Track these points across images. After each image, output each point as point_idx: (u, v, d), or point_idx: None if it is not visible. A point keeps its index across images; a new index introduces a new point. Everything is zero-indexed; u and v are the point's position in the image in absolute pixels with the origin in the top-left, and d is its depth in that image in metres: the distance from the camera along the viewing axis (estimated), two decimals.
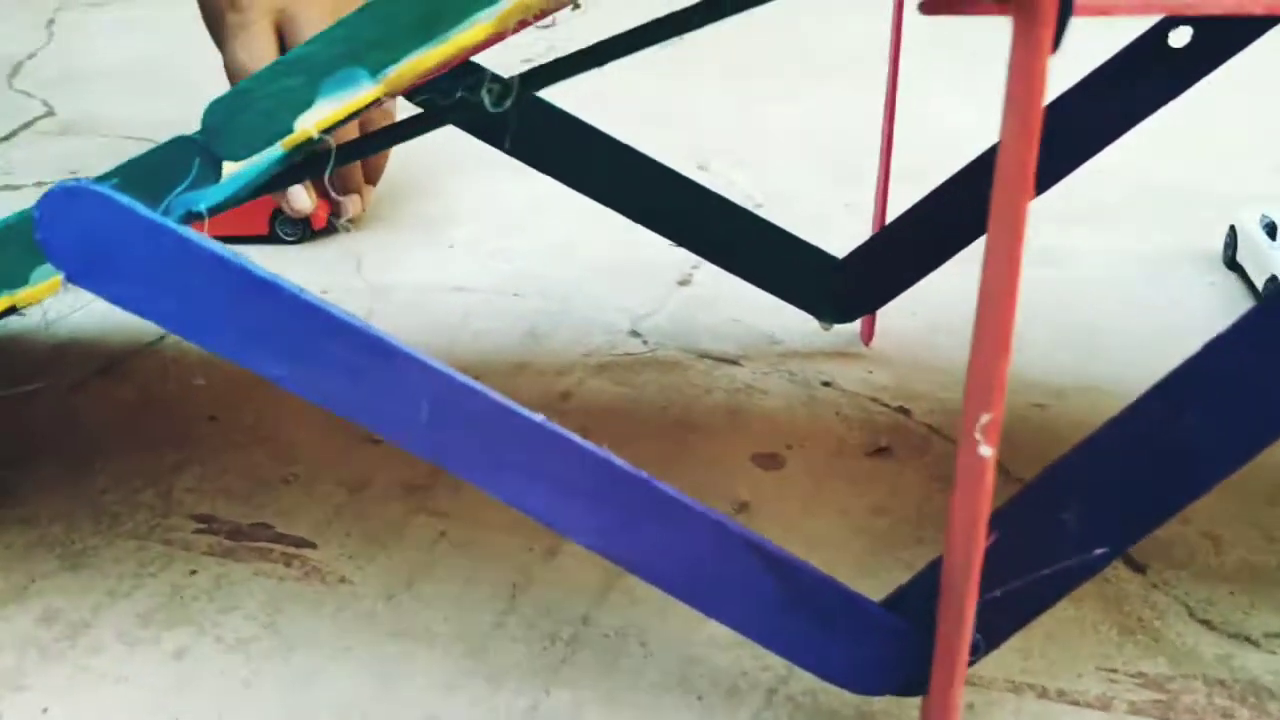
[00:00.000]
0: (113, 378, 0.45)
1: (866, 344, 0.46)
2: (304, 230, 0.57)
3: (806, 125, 0.73)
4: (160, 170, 0.24)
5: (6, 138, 0.76)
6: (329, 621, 0.32)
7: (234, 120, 0.24)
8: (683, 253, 0.53)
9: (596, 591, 0.32)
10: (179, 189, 0.24)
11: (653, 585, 0.25)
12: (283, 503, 0.37)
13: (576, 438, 0.24)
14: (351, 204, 0.57)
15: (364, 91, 0.23)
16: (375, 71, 0.23)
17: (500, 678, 0.29)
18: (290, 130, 0.23)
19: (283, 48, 0.53)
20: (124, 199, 0.22)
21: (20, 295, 0.25)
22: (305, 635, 0.31)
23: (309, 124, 0.23)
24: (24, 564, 0.34)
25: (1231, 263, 0.51)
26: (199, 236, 0.23)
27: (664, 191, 0.44)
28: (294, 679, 0.30)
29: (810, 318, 0.46)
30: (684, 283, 0.52)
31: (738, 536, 0.24)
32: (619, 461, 0.24)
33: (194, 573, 0.34)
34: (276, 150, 0.23)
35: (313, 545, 0.35)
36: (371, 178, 0.60)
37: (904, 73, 0.42)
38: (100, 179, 0.24)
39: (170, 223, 0.22)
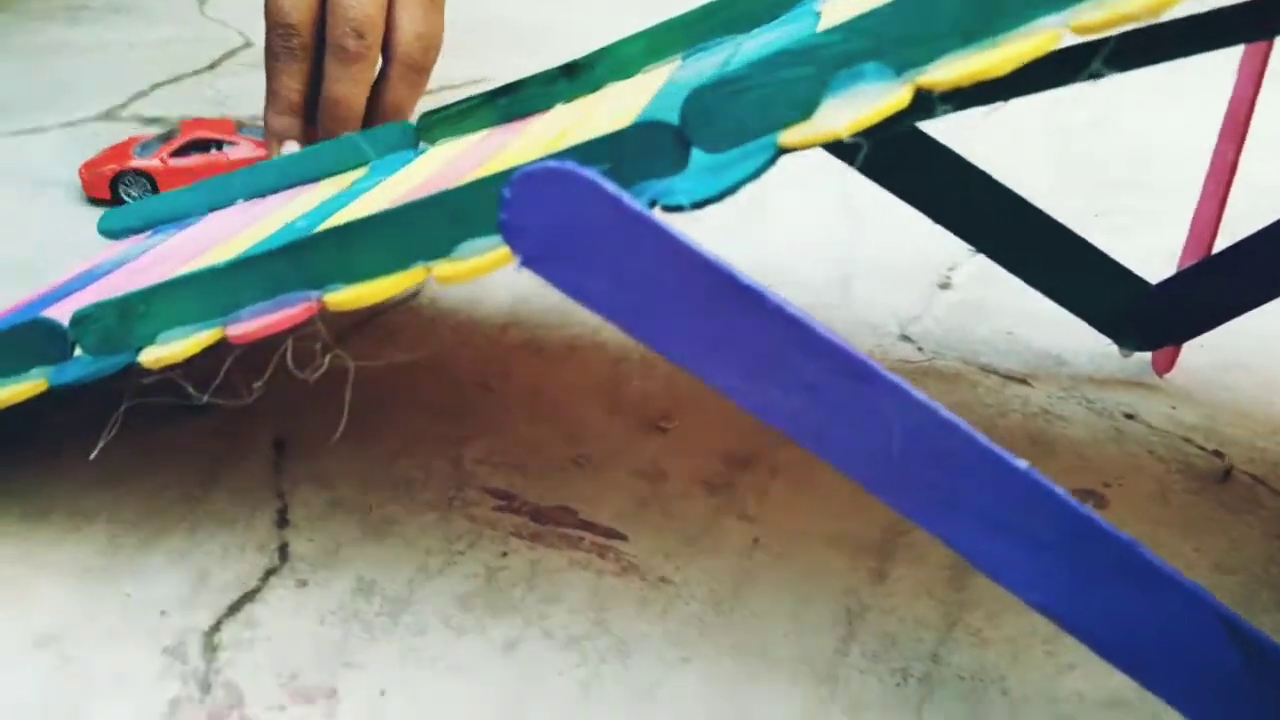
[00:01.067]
0: (372, 333, 0.44)
1: (1161, 375, 0.43)
2: None
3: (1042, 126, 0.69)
4: (626, 153, 0.22)
5: (211, 66, 0.75)
6: (659, 625, 0.30)
7: (723, 109, 0.21)
8: (936, 252, 0.50)
9: (938, 626, 0.30)
10: (648, 177, 0.22)
11: (1097, 652, 0.23)
12: (580, 487, 0.35)
13: (1059, 490, 0.22)
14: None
15: (884, 92, 0.20)
16: (901, 70, 0.20)
17: (858, 713, 0.28)
18: (791, 122, 0.21)
19: None
20: (612, 187, 0.20)
21: (442, 268, 0.24)
22: (638, 638, 0.29)
23: (829, 125, 0.20)
24: (328, 527, 0.33)
25: None
26: (685, 237, 0.21)
27: (967, 189, 0.41)
28: (635, 688, 0.28)
29: (1096, 339, 0.43)
30: (944, 286, 0.49)
31: (1210, 608, 0.22)
32: (1102, 521, 0.22)
33: (505, 555, 0.32)
34: (768, 148, 0.21)
35: (623, 537, 0.33)
36: (389, 113, 0.54)
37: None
38: (558, 156, 0.22)
39: (659, 220, 0.20)
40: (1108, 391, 0.42)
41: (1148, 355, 0.44)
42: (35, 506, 0.33)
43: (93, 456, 0.29)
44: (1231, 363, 0.44)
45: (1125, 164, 0.62)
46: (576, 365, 0.42)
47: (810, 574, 0.32)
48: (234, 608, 0.30)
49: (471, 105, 0.41)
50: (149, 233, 0.45)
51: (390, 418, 0.38)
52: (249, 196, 0.44)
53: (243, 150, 0.55)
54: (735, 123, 0.21)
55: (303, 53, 0.51)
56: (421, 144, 0.43)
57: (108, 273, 0.39)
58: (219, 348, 0.27)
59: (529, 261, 0.22)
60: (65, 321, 0.29)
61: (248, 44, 0.80)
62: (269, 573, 0.31)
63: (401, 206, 0.24)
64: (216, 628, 0.29)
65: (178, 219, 0.45)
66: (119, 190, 0.55)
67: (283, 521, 0.33)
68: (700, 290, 0.21)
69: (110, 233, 0.46)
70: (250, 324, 0.25)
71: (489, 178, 0.23)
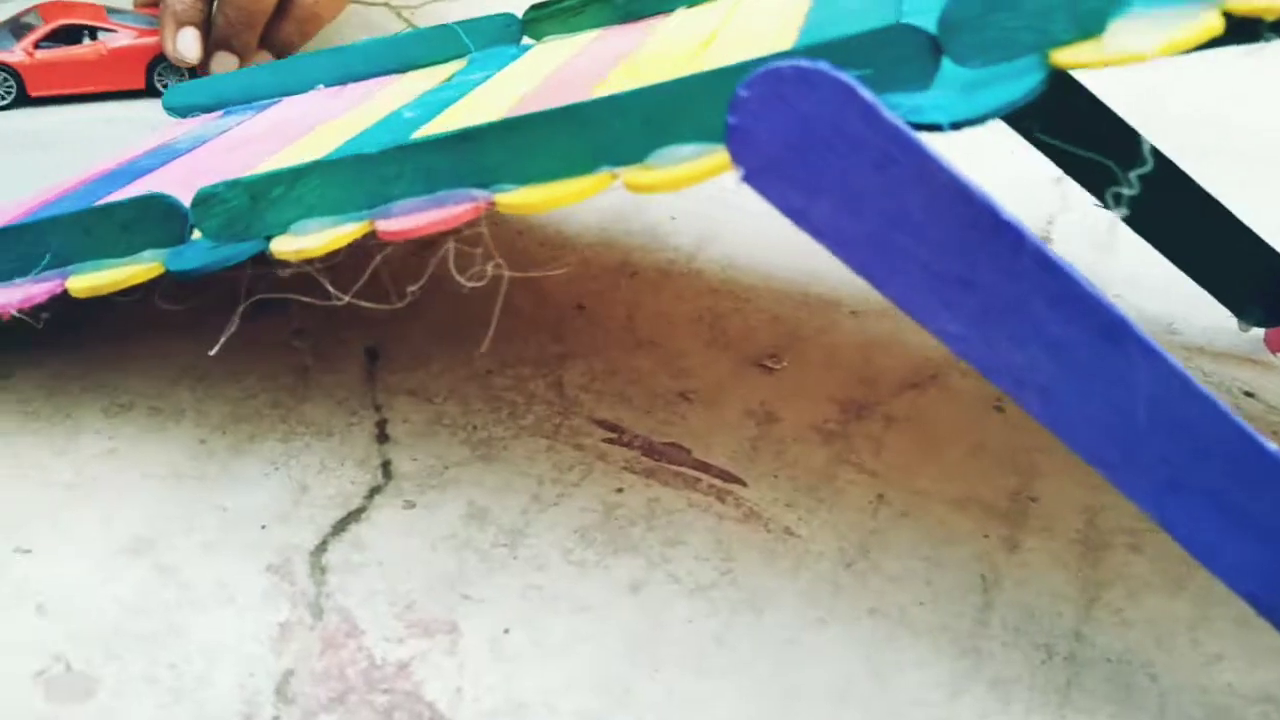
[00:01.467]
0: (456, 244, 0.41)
1: (1275, 353, 0.41)
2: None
3: None
4: (865, 58, 0.20)
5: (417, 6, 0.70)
6: (789, 580, 0.28)
7: (988, 17, 0.19)
8: (1035, 207, 0.48)
9: (1077, 602, 0.29)
10: (890, 89, 0.19)
11: None
12: (690, 424, 0.33)
13: None
14: (219, 62, 0.49)
15: (1184, 14, 0.18)
16: None
17: (1006, 689, 0.26)
18: (1064, 42, 0.19)
19: None
20: (869, 95, 0.18)
21: (633, 175, 0.21)
22: (768, 593, 0.28)
23: (1130, 45, 0.18)
24: (430, 445, 0.31)
25: None
26: (945, 159, 0.18)
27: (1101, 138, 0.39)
28: (772, 646, 0.26)
29: (1208, 309, 0.41)
30: (1044, 239, 0.47)
31: None
32: None
33: (620, 491, 0.30)
34: (1036, 68, 0.19)
35: (741, 482, 0.31)
36: (278, 48, 0.51)
37: None
38: (787, 55, 0.20)
39: (917, 137, 0.18)
40: (1225, 366, 0.40)
41: (1260, 332, 0.42)
42: (116, 401, 0.31)
43: (213, 352, 0.27)
44: None
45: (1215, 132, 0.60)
46: (672, 292, 0.40)
47: (939, 538, 0.30)
48: (339, 527, 0.28)
49: (586, 1, 0.38)
50: (220, 112, 0.42)
51: (482, 332, 0.36)
52: (330, 82, 0.41)
53: (122, 38, 0.49)
54: (1001, 33, 0.19)
55: None
56: (525, 39, 0.40)
57: (188, 150, 0.36)
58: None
59: (753, 175, 0.19)
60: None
61: None
62: (373, 491, 0.29)
63: (588, 103, 0.21)
64: (323, 547, 0.27)
65: (250, 100, 0.42)
66: None
67: (383, 436, 0.31)
68: (952, 222, 0.19)
69: (176, 109, 0.43)
70: (404, 220, 0.23)
71: (699, 75, 0.21)
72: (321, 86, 0.41)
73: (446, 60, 0.39)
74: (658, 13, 0.38)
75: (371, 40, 0.41)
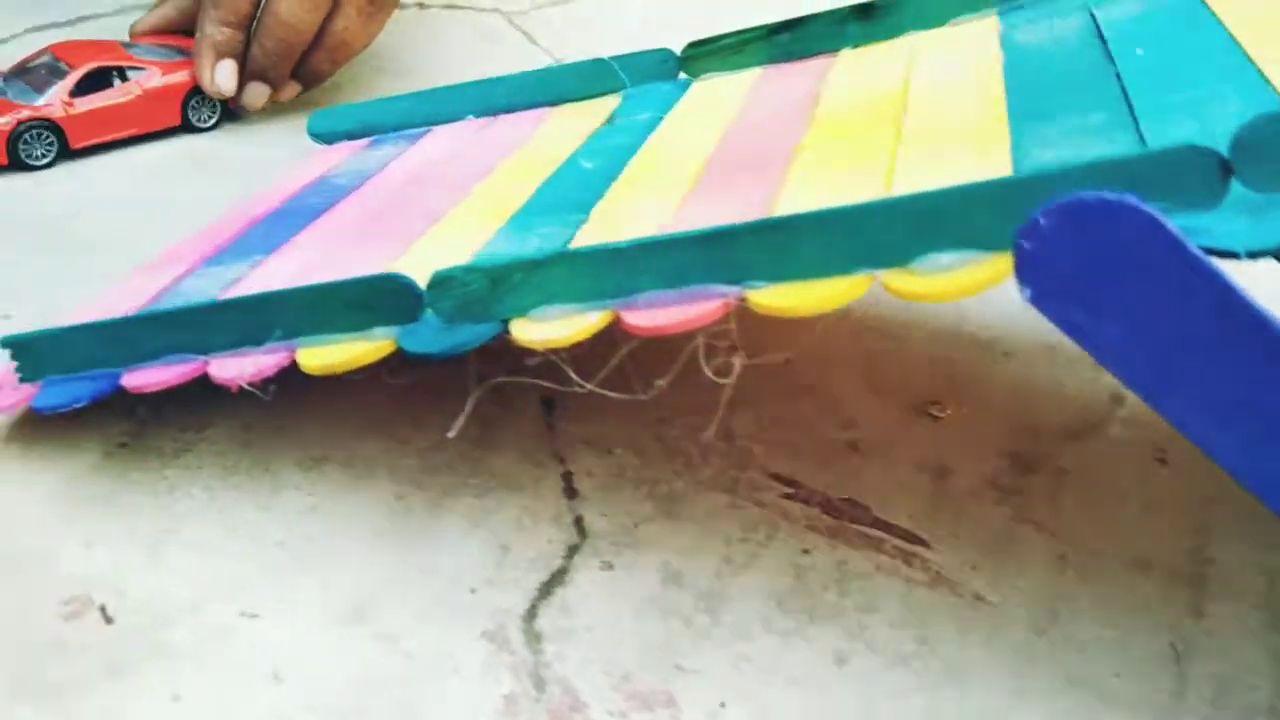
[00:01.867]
0: None
1: None
2: (219, 114, 0.48)
3: None
4: (1154, 178, 0.19)
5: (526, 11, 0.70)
6: (985, 650, 0.29)
7: None
8: None
9: (1269, 674, 0.29)
10: (1178, 208, 0.19)
11: None
12: (864, 478, 0.33)
13: None
14: (252, 94, 0.48)
15: None
16: None
17: None
18: None
19: None
20: (1175, 228, 0.18)
21: (895, 278, 0.21)
22: (971, 664, 0.28)
23: None
24: (616, 500, 0.31)
25: None
26: (1242, 288, 0.18)
27: None
28: (978, 719, 0.27)
29: None
30: None
31: None
32: None
33: (807, 552, 0.31)
34: None
35: (924, 543, 0.31)
36: (308, 78, 0.50)
37: None
38: (1051, 178, 0.20)
39: (1220, 269, 0.18)
40: None
41: None
42: (309, 454, 0.32)
43: (452, 434, 0.27)
44: None
45: None
46: (823, 333, 0.40)
47: (1126, 604, 0.30)
48: (545, 590, 0.28)
49: (746, 39, 0.38)
50: (368, 140, 0.42)
51: (642, 371, 0.36)
52: (479, 113, 0.41)
53: (154, 76, 0.47)
54: None
55: None
56: (682, 75, 0.39)
57: (353, 187, 0.36)
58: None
59: (1040, 297, 0.19)
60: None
61: None
62: (571, 550, 0.30)
63: (853, 206, 0.21)
64: (533, 612, 0.28)
65: (399, 128, 0.42)
66: (19, 151, 0.45)
67: (570, 490, 0.31)
68: (1247, 352, 0.18)
69: (321, 136, 0.43)
70: (651, 313, 0.23)
71: (973, 186, 0.21)
72: (471, 117, 0.41)
73: (600, 95, 0.39)
74: (821, 52, 0.37)
75: (523, 73, 0.41)
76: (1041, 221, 0.19)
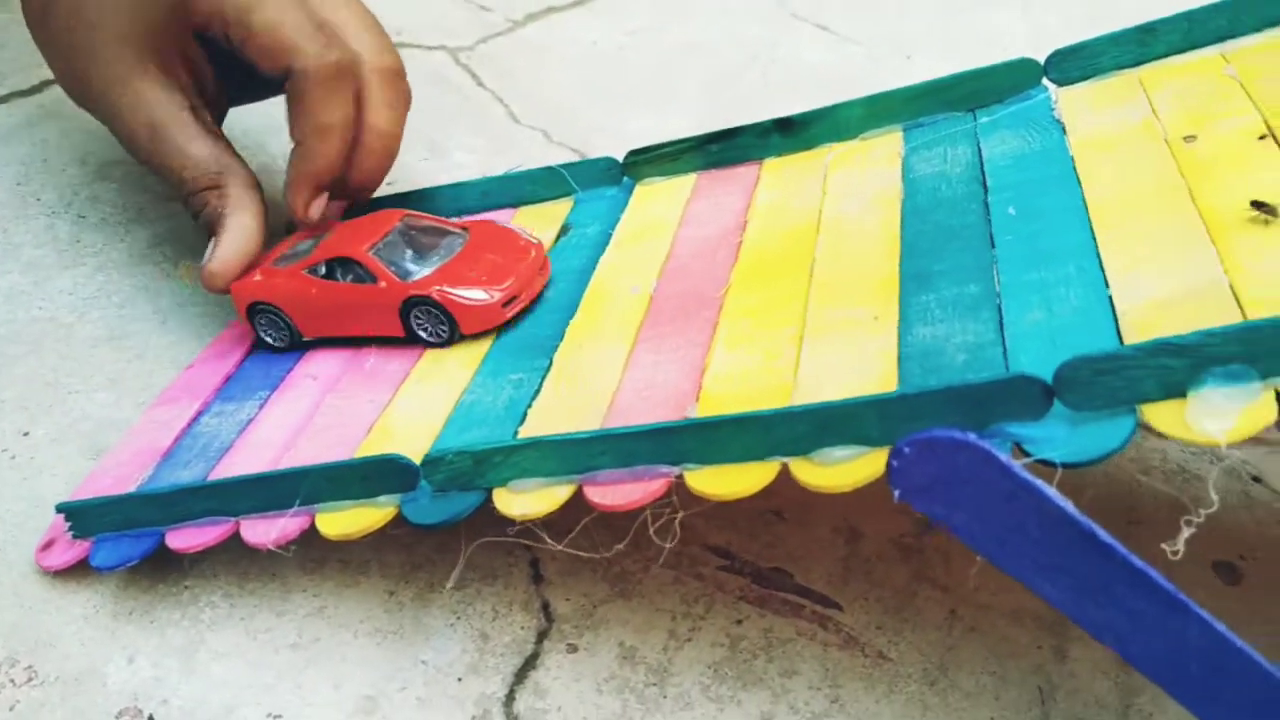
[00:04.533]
0: None
1: None
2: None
3: None
4: (992, 396, 0.25)
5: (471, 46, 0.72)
6: (886, 704, 0.35)
7: (1097, 380, 0.24)
8: None
9: (1116, 709, 0.35)
10: (1010, 420, 0.25)
11: None
12: (788, 545, 0.39)
13: None
14: (211, 245, 0.43)
15: (1252, 389, 0.23)
16: (1266, 376, 0.23)
17: None
18: (1150, 399, 0.24)
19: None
20: (1004, 456, 0.23)
21: (799, 465, 0.26)
22: (871, 717, 0.34)
23: (1204, 424, 0.23)
24: (577, 583, 0.37)
25: None
26: (1047, 490, 0.24)
27: None
28: None
29: None
30: None
31: None
32: None
33: (739, 623, 0.36)
34: (1131, 418, 0.24)
35: (839, 607, 0.37)
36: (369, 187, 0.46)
37: None
38: (930, 397, 0.25)
39: (1042, 485, 0.24)
40: (1235, 448, 0.46)
41: None
42: (310, 556, 0.36)
43: (450, 586, 0.32)
44: None
45: None
46: None
47: (1003, 652, 0.37)
48: (520, 675, 0.34)
49: (681, 149, 0.43)
50: None
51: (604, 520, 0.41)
52: (456, 213, 0.45)
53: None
54: (1105, 390, 0.24)
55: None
56: (626, 178, 0.44)
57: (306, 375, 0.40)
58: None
59: (906, 494, 0.25)
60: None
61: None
62: (541, 635, 0.35)
63: (769, 412, 0.27)
64: (511, 697, 0.33)
65: None
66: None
67: (537, 576, 0.37)
68: (1060, 538, 0.24)
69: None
70: (609, 490, 0.28)
71: (859, 401, 0.26)
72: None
73: (555, 198, 0.43)
74: (746, 161, 0.42)
75: (489, 179, 0.45)
76: (905, 450, 0.24)
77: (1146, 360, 0.24)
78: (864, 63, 0.72)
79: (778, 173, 0.41)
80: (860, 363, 0.29)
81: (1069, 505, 0.24)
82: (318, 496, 0.31)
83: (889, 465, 0.24)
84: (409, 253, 0.40)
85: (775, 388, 0.29)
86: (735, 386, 0.30)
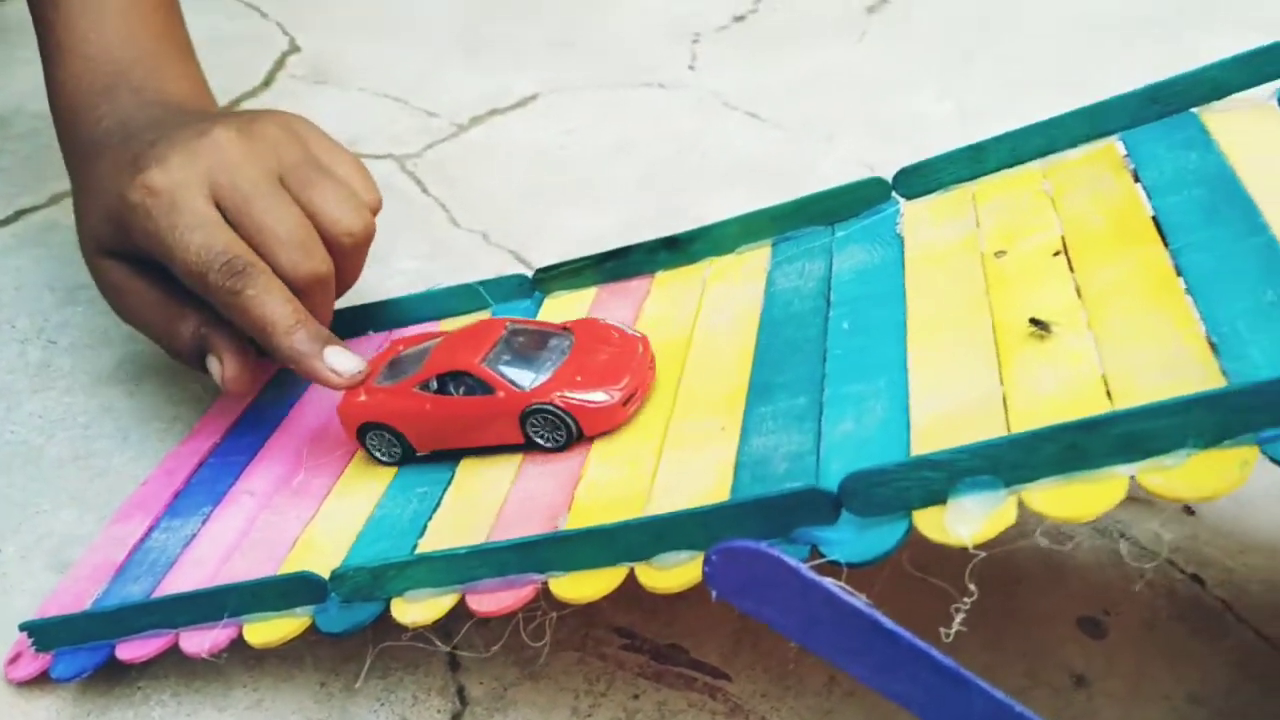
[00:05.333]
0: None
1: None
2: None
3: None
4: (791, 507, 0.29)
5: (266, 83, 0.78)
6: None
7: (873, 490, 0.29)
8: None
9: None
10: (807, 525, 0.29)
11: None
12: (686, 622, 0.43)
13: None
14: (213, 364, 0.44)
15: (998, 496, 0.28)
16: (1010, 484, 0.27)
17: None
18: (917, 506, 0.28)
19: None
20: (794, 561, 0.28)
21: (643, 570, 0.31)
22: None
23: (957, 528, 0.28)
24: (490, 667, 0.41)
25: None
26: (838, 587, 0.28)
27: None
28: None
29: None
30: None
31: None
32: None
33: (636, 697, 0.40)
34: (904, 522, 0.28)
35: (727, 677, 0.41)
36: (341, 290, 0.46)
37: None
38: (738, 509, 0.29)
39: (828, 583, 0.28)
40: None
41: None
42: (250, 653, 0.41)
43: (358, 686, 0.37)
44: None
45: None
46: None
47: (877, 714, 0.41)
48: None
49: (581, 266, 0.47)
50: None
51: None
52: (380, 328, 0.50)
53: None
54: (881, 499, 0.29)
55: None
56: (536, 292, 0.48)
57: (280, 420, 0.45)
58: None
59: (722, 594, 0.29)
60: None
61: (295, 48, 0.82)
62: (455, 718, 0.39)
63: (614, 525, 0.31)
64: None
65: None
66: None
67: (454, 664, 0.41)
68: (849, 626, 0.28)
69: None
70: (487, 597, 0.33)
71: (683, 514, 0.30)
72: (371, 333, 0.50)
73: (472, 311, 0.48)
74: (641, 274, 0.46)
75: (411, 296, 0.50)
76: (713, 558, 0.28)
77: (911, 474, 0.28)
78: (788, 147, 0.77)
79: (665, 286, 0.45)
80: (703, 472, 0.34)
81: (854, 599, 0.28)
82: (243, 609, 0.36)
83: (704, 570, 0.29)
84: (520, 360, 0.40)
85: (633, 497, 0.34)
86: (602, 496, 0.35)
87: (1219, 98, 0.40)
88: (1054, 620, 0.45)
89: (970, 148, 0.42)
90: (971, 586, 0.29)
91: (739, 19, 0.96)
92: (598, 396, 0.38)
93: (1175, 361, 0.29)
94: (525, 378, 0.39)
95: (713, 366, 0.39)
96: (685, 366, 0.39)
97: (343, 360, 0.42)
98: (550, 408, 0.38)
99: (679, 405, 0.37)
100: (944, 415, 0.31)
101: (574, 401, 0.38)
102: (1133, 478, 0.27)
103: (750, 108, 0.81)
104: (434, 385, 0.40)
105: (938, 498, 0.28)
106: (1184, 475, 0.26)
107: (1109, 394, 0.29)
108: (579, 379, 0.39)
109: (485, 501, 0.36)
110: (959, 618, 0.30)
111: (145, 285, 0.45)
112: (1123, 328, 0.31)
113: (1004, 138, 0.42)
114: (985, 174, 0.42)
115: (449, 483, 0.38)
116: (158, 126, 0.45)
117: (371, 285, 0.62)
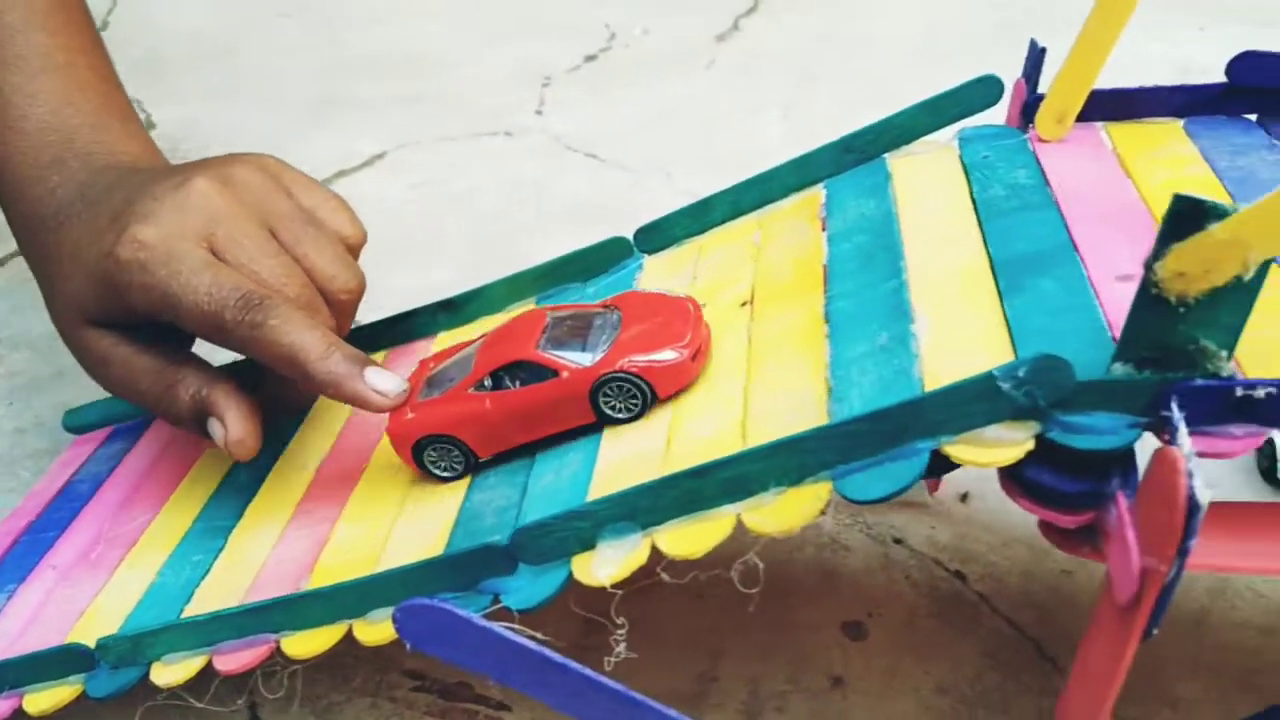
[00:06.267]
0: None
1: (932, 493, 0.55)
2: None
3: None
4: (475, 563, 0.33)
5: None
6: None
7: (537, 542, 0.32)
8: None
9: None
10: (490, 576, 0.33)
11: None
12: None
13: None
14: (215, 427, 0.42)
15: (635, 540, 0.31)
16: (644, 527, 0.31)
17: None
18: (575, 553, 0.32)
19: None
20: (463, 611, 0.31)
21: (359, 627, 0.34)
22: None
23: (598, 571, 0.31)
24: (288, 717, 0.44)
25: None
26: (507, 630, 0.32)
27: None
28: None
29: None
30: None
31: None
32: None
33: None
34: (565, 566, 0.32)
35: (509, 708, 0.45)
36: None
37: None
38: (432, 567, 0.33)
39: (491, 625, 0.31)
40: (884, 516, 0.54)
41: None
42: None
43: None
44: (982, 474, 0.57)
45: None
46: None
47: None
48: None
49: (376, 329, 0.51)
50: (109, 431, 0.54)
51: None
52: None
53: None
54: (546, 549, 0.32)
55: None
56: None
57: (90, 498, 0.48)
58: None
59: (416, 645, 0.33)
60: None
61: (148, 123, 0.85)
62: None
63: (326, 589, 0.35)
64: None
65: (133, 416, 0.54)
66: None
67: (254, 717, 0.44)
68: (529, 662, 0.32)
69: (73, 428, 0.55)
70: (229, 657, 0.36)
71: (385, 575, 0.34)
72: None
73: None
74: (424, 336, 0.50)
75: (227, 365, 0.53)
76: (398, 615, 0.32)
77: (565, 525, 0.32)
78: (628, 186, 0.81)
79: (442, 347, 0.49)
80: (428, 530, 0.37)
81: (522, 639, 0.32)
82: (23, 681, 0.39)
83: (395, 626, 0.32)
84: (573, 341, 0.39)
85: (367, 559, 0.37)
86: (343, 558, 0.38)
87: (906, 143, 0.44)
88: (820, 626, 0.49)
89: (698, 204, 0.46)
90: (620, 619, 0.33)
91: (590, 58, 1.00)
92: (667, 355, 0.37)
93: (801, 405, 0.33)
94: (585, 357, 0.38)
95: None
96: None
97: (384, 380, 0.40)
98: (622, 375, 0.37)
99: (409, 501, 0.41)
100: (618, 464, 0.35)
101: (643, 364, 0.37)
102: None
103: (591, 149, 0.85)
104: (489, 383, 0.39)
105: (589, 544, 0.32)
106: (774, 512, 0.30)
107: (744, 436, 0.33)
108: (643, 344, 0.38)
109: (247, 566, 0.40)
110: (620, 647, 0.33)
111: (134, 352, 0.44)
112: (773, 374, 0.35)
113: (726, 192, 0.46)
114: (711, 227, 0.46)
115: (220, 550, 0.41)
116: (123, 186, 0.44)
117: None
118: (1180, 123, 0.42)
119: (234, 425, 0.41)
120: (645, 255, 0.47)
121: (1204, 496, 0.24)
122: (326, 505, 0.41)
